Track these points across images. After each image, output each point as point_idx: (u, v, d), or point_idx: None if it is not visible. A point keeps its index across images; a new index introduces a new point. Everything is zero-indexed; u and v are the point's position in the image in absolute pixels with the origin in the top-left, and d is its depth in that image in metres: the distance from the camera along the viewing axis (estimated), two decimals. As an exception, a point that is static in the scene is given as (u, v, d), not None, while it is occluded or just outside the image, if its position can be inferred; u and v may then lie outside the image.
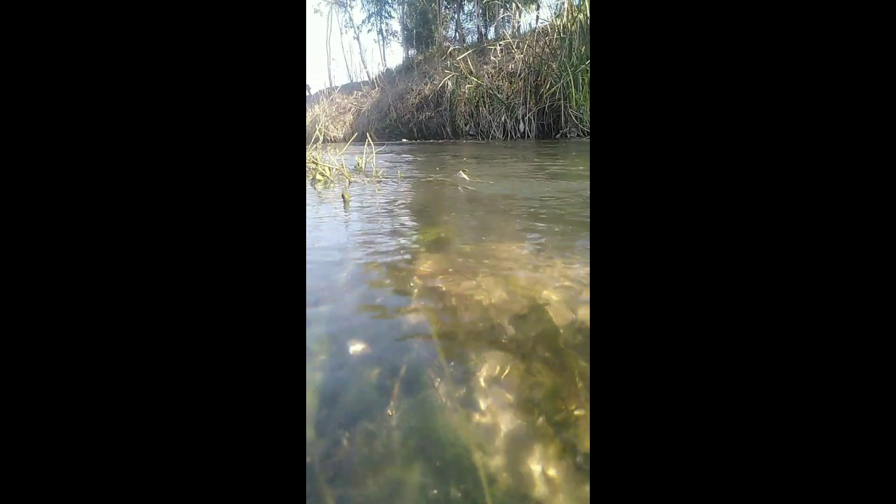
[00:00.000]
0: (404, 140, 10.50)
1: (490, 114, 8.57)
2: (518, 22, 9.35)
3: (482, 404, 0.50)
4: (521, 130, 7.97)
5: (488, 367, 0.56)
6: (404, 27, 13.70)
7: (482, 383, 0.53)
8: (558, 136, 7.24)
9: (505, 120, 8.22)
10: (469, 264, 0.88)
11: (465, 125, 9.23)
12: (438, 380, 0.53)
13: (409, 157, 4.29)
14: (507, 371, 0.55)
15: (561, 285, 0.77)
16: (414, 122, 10.78)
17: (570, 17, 7.23)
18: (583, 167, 2.66)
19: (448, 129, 9.73)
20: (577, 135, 6.88)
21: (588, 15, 6.93)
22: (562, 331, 0.63)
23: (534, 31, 8.32)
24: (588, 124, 6.76)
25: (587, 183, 1.91)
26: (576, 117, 6.97)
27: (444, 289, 0.78)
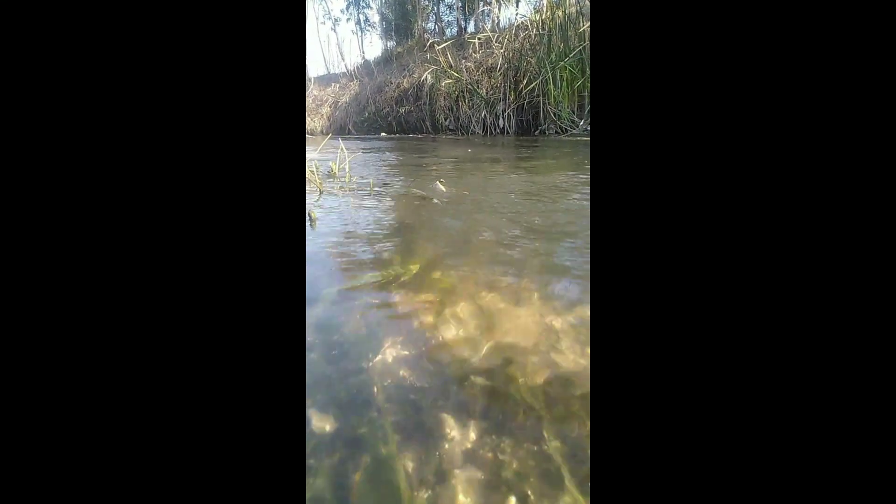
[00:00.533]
0: (383, 134, 10.37)
1: (470, 109, 8.52)
2: (498, 16, 9.28)
3: (450, 487, 0.47)
4: (501, 126, 7.95)
5: (458, 441, 0.53)
6: (383, 18, 13.45)
7: (452, 459, 0.51)
8: (537, 132, 7.25)
9: (485, 115, 8.19)
10: (442, 308, 0.85)
11: (445, 119, 9.15)
12: (405, 459, 0.50)
13: (387, 158, 4.22)
14: (480, 444, 0.53)
15: (543, 335, 0.75)
16: (393, 116, 10.64)
17: (548, 13, 7.20)
18: (568, 174, 2.65)
19: (428, 124, 9.64)
20: (556, 132, 6.90)
21: (566, 11, 6.92)
22: (541, 392, 0.61)
23: (513, 26, 8.27)
24: (566, 121, 6.78)
25: (572, 202, 1.89)
26: (554, 114, 6.98)
27: (414, 339, 0.75)
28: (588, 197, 1.78)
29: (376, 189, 2.14)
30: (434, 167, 3.39)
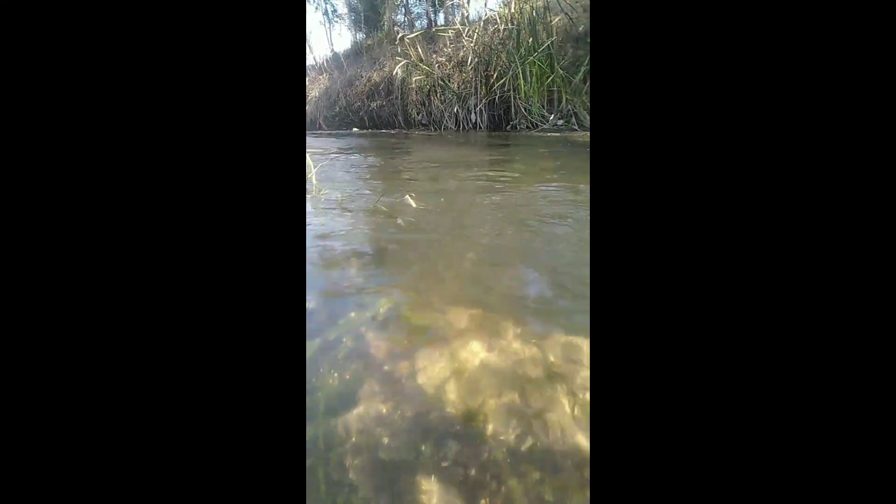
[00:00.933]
0: (355, 130, 10.22)
1: (442, 103, 8.50)
2: (467, 10, 9.22)
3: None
4: (473, 121, 7.97)
5: None
6: (352, 9, 13.17)
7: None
8: (508, 127, 7.31)
9: (457, 110, 8.18)
10: (412, 354, 0.89)
11: (418, 114, 9.11)
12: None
13: (359, 162, 4.20)
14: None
15: (519, 391, 0.76)
16: (365, 111, 10.50)
17: (516, 7, 7.21)
18: (547, 186, 2.68)
19: (400, 119, 9.57)
20: (527, 127, 6.97)
21: (534, 6, 6.94)
22: (512, 459, 0.61)
23: (481, 20, 8.25)
24: (536, 117, 6.85)
25: (551, 228, 1.90)
26: (525, 109, 7.03)
27: (381, 390, 0.78)
28: (567, 219, 1.79)
29: (345, 207, 2.15)
30: (406, 173, 3.40)
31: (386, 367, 0.83)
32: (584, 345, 0.85)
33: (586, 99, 6.20)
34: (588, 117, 6.18)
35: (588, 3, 6.21)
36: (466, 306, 1.04)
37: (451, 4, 9.97)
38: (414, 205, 2.10)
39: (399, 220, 1.85)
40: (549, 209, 1.96)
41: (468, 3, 9.38)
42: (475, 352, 0.86)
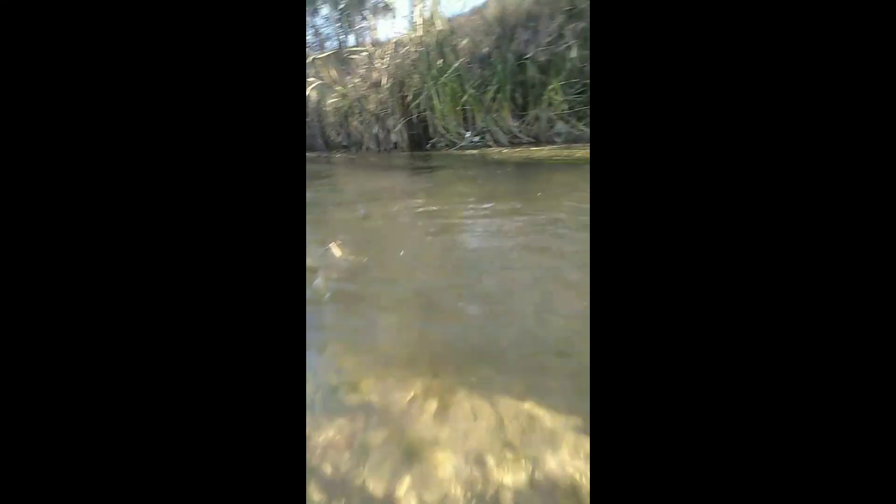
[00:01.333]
0: (274, 155, 9.92)
1: (361, 125, 8.57)
2: (376, 32, 9.39)
3: None
4: (394, 141, 8.13)
5: None
6: (256, 30, 12.73)
7: None
8: (429, 146, 7.56)
9: (377, 131, 8.30)
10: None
11: (337, 136, 9.10)
12: None
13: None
14: None
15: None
16: (282, 135, 10.25)
17: (424, 29, 7.50)
18: (482, 224, 2.67)
19: (320, 141, 9.48)
20: (446, 145, 7.26)
21: (438, 30, 7.27)
22: None
23: (391, 42, 8.45)
24: (453, 135, 7.17)
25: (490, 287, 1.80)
26: (443, 127, 7.33)
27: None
28: (514, 268, 1.78)
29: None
30: (331, 211, 3.41)
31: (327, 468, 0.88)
32: (537, 412, 0.92)
33: (496, 117, 6.61)
34: (500, 133, 6.59)
35: (488, 27, 6.64)
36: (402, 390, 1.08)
37: (360, 27, 10.09)
38: (339, 253, 2.13)
39: (318, 282, 1.83)
40: (489, 253, 1.94)
41: (377, 25, 9.56)
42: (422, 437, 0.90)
